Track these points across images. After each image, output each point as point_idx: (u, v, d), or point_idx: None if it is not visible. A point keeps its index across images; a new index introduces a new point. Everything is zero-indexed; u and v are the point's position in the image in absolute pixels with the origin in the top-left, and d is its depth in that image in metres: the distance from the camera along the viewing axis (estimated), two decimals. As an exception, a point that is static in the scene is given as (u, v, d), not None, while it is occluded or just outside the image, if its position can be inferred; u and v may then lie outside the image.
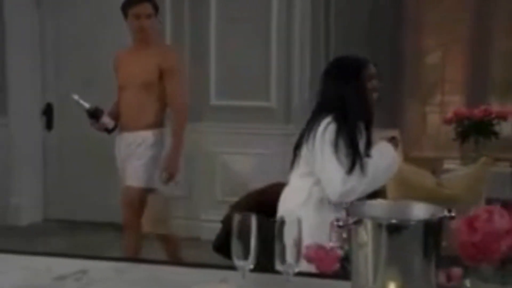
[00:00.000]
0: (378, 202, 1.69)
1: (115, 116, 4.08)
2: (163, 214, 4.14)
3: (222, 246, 3.08)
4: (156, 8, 4.03)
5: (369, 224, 1.54)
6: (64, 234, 5.56)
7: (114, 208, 5.18)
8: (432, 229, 1.54)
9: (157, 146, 4.08)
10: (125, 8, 4.00)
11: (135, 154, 4.08)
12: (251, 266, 1.64)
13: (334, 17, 5.97)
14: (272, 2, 5.21)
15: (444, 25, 6.42)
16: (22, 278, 1.83)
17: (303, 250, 2.74)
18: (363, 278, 1.57)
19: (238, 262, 1.64)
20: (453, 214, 1.56)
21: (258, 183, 3.86)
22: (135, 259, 2.23)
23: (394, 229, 1.53)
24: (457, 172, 3.88)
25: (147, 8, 3.96)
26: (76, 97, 3.83)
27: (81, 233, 5.58)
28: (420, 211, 1.61)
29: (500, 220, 1.37)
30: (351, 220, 1.55)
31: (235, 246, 1.64)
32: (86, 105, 3.90)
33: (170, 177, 4.01)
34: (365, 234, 1.54)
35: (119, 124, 4.10)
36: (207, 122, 5.38)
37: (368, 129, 3.04)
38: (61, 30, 5.80)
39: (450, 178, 3.65)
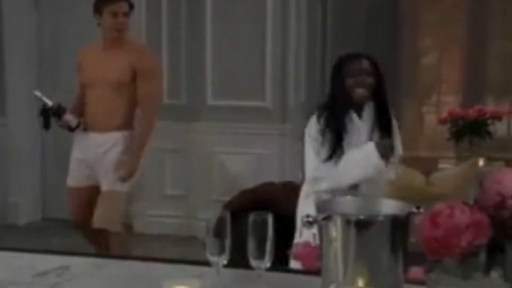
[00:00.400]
0: (348, 198, 1.73)
1: (78, 114, 4.02)
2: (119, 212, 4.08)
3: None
4: (131, 6, 3.98)
5: (338, 220, 1.57)
6: (62, 233, 5.59)
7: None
8: (399, 225, 1.58)
9: (128, 148, 4.02)
10: (100, 5, 3.92)
11: (107, 156, 4.01)
12: (225, 262, 1.68)
13: (330, 16, 6.00)
14: (267, 1, 5.23)
15: (441, 25, 6.45)
16: (4, 275, 1.87)
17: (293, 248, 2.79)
18: (332, 273, 1.60)
19: (212, 258, 1.68)
20: (421, 210, 1.60)
21: (254, 182, 3.91)
22: (115, 255, 2.28)
23: (363, 225, 1.57)
24: (446, 171, 3.90)
25: (124, 6, 3.90)
26: (38, 93, 3.80)
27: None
28: (388, 207, 1.65)
29: (461, 215, 1.40)
30: (320, 216, 1.59)
31: (210, 243, 1.68)
32: (49, 102, 3.84)
33: (128, 176, 3.97)
34: (335, 230, 1.58)
35: (84, 123, 4.04)
36: (204, 122, 5.42)
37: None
38: (60, 30, 5.85)
39: (439, 177, 3.67)
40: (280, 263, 1.81)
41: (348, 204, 1.68)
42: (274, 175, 4.59)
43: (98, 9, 3.91)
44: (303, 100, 5.39)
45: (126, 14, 3.89)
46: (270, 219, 1.67)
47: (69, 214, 4.21)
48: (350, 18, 6.03)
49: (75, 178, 4.16)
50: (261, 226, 1.67)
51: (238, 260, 1.72)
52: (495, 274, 1.41)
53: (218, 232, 1.67)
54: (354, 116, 3.09)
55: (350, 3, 6.08)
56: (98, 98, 3.97)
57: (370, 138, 3.07)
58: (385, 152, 2.99)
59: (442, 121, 4.58)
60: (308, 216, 1.60)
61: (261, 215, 1.68)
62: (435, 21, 6.46)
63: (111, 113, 3.98)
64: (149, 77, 3.94)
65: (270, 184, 3.85)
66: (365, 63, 3.11)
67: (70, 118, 3.93)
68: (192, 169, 5.45)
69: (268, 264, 1.65)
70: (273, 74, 5.29)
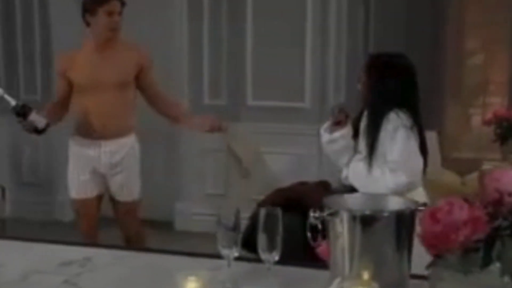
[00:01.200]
0: (355, 195, 1.77)
1: (52, 116, 3.71)
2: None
3: (248, 241, 3.23)
4: (123, 4, 3.85)
5: (344, 216, 1.62)
6: (107, 230, 5.74)
7: (159, 204, 5.38)
8: (404, 221, 1.61)
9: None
10: (93, 5, 3.73)
11: (124, 164, 3.88)
12: (236, 255, 1.74)
13: (373, 15, 6.01)
14: (307, 0, 5.27)
15: (486, 25, 6.38)
16: (30, 264, 1.97)
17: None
18: (340, 267, 1.65)
19: (223, 251, 1.74)
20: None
21: (292, 182, 3.97)
22: (136, 248, 2.36)
23: (368, 220, 1.61)
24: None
25: (118, 4, 3.78)
26: (0, 91, 3.50)
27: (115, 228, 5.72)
28: (393, 203, 1.68)
29: (460, 212, 1.43)
30: (326, 212, 1.63)
31: (221, 236, 1.74)
32: (12, 101, 3.49)
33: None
34: (341, 225, 1.63)
35: (93, 132, 3.80)
36: (244, 122, 5.48)
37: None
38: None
39: (473, 178, 3.69)
40: (311, 260, 1.87)
41: (355, 200, 1.73)
42: (312, 175, 4.62)
43: (90, 9, 3.75)
44: (343, 101, 5.40)
45: (120, 13, 3.78)
46: (279, 214, 1.73)
47: (80, 227, 4.01)
48: (392, 16, 6.03)
49: (83, 190, 3.91)
50: (272, 221, 1.73)
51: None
52: (494, 268, 1.43)
53: (252, 228, 1.74)
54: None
55: (392, 1, 6.08)
56: (103, 103, 3.77)
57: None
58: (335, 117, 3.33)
59: (486, 123, 4.57)
60: (314, 211, 1.65)
61: (272, 211, 1.74)
62: (480, 22, 6.40)
63: (121, 117, 3.83)
64: (151, 67, 3.89)
65: (303, 184, 3.91)
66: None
67: (37, 118, 3.52)
68: (230, 168, 5.52)
69: (276, 258, 1.71)
70: (313, 75, 5.33)
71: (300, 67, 5.33)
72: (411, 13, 6.10)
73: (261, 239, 1.72)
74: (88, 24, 3.80)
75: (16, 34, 6.06)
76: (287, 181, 4.13)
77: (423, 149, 3.25)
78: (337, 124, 3.37)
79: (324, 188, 3.73)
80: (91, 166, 3.87)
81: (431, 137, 5.57)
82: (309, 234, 1.65)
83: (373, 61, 3.34)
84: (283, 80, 5.33)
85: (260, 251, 1.72)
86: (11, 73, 6.12)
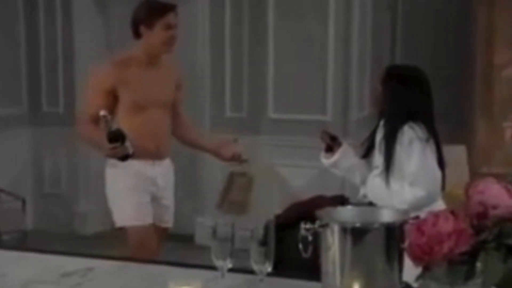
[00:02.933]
0: (346, 208, 1.82)
1: (90, 138, 3.55)
2: None
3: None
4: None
5: (335, 228, 1.67)
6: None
7: (179, 218, 5.45)
8: (394, 233, 1.66)
9: None
10: (150, 17, 3.53)
11: (170, 186, 3.78)
12: (230, 266, 1.81)
13: (400, 22, 6.03)
14: (329, 8, 5.31)
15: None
16: (33, 274, 2.05)
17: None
18: (331, 279, 1.70)
19: (218, 262, 1.81)
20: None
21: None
22: (137, 259, 2.43)
23: (358, 233, 1.66)
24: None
25: (175, 17, 3.60)
26: (103, 112, 3.23)
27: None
28: (384, 215, 1.73)
29: (444, 224, 1.48)
30: (317, 224, 1.69)
31: (214, 247, 1.81)
32: (115, 125, 3.32)
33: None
34: (332, 237, 1.68)
35: (146, 152, 3.54)
36: (265, 135, 5.54)
37: None
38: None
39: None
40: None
41: (347, 213, 1.78)
42: (334, 189, 4.65)
43: (146, 21, 3.53)
44: (367, 114, 5.43)
45: (176, 26, 3.60)
46: (272, 226, 1.79)
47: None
48: (420, 25, 6.04)
49: (139, 216, 3.58)
50: (265, 233, 1.78)
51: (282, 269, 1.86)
52: (478, 281, 1.47)
53: (264, 240, 1.80)
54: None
55: (419, 11, 6.09)
56: (156, 121, 3.61)
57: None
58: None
59: (514, 137, 4.56)
60: (306, 223, 1.71)
61: (265, 223, 1.80)
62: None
63: (168, 135, 3.74)
64: (183, 87, 3.84)
65: (320, 197, 3.96)
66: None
67: (129, 144, 3.35)
68: (253, 182, 5.58)
69: (269, 269, 1.76)
70: (335, 87, 5.37)
71: (322, 78, 5.36)
72: (439, 22, 6.11)
73: (254, 251, 1.78)
74: (139, 35, 3.58)
75: (40, 46, 6.21)
76: (307, 196, 4.18)
77: (441, 163, 3.28)
78: (329, 149, 3.43)
79: (341, 202, 3.77)
80: (147, 188, 3.62)
81: (460, 151, 5.58)
82: (300, 246, 1.71)
83: (388, 73, 3.39)
84: (305, 92, 5.38)
85: (252, 262, 1.78)
86: (33, 85, 6.28)
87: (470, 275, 1.46)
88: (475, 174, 5.51)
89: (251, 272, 1.78)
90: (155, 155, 3.61)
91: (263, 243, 1.79)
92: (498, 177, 1.49)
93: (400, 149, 3.23)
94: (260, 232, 1.81)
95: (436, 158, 3.26)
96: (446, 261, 1.47)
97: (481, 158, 6.36)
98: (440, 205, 3.21)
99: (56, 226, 6.09)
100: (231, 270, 1.81)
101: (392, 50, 6.08)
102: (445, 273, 1.50)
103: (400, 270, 1.67)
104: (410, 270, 1.65)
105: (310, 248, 1.70)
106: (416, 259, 1.50)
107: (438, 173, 3.25)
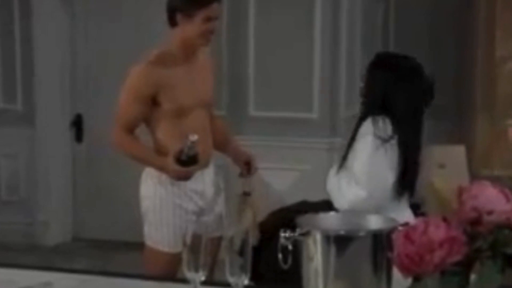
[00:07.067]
0: (330, 214, 1.84)
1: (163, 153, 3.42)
2: None
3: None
4: None
5: (317, 236, 1.68)
6: (93, 254, 5.81)
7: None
8: (381, 241, 1.68)
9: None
10: (191, 7, 3.37)
11: (221, 194, 3.75)
12: (202, 279, 1.81)
13: (393, 13, 6.07)
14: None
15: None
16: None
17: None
18: (313, 291, 1.71)
19: (188, 274, 1.81)
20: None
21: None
22: (103, 272, 2.42)
23: (343, 241, 1.68)
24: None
25: (218, 8, 3.49)
26: (195, 138, 3.15)
27: (113, 253, 5.80)
28: (370, 223, 1.75)
29: (435, 231, 1.49)
30: (298, 232, 1.70)
31: (187, 259, 1.82)
32: (195, 150, 3.21)
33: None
34: (314, 247, 1.69)
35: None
36: (246, 135, 5.54)
37: None
38: (93, 37, 6.08)
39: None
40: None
41: (330, 219, 1.79)
42: (321, 193, 4.66)
43: (185, 10, 3.37)
44: (357, 111, 5.45)
45: (218, 18, 3.50)
46: (249, 237, 1.80)
47: None
48: (415, 17, 6.08)
49: (176, 244, 3.27)
50: (241, 242, 1.80)
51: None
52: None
53: (194, 249, 1.80)
54: None
55: (414, 1, 6.14)
56: (202, 125, 3.48)
57: None
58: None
59: (514, 136, 4.61)
60: (285, 231, 1.72)
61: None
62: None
63: (212, 140, 3.59)
64: None
65: (306, 203, 3.97)
66: None
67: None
68: (233, 186, 5.57)
69: (245, 281, 1.77)
70: (322, 82, 5.38)
71: (308, 72, 5.38)
72: (436, 14, 6.15)
73: (230, 262, 1.79)
74: (175, 24, 3.43)
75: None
76: (292, 200, 4.19)
77: (406, 167, 3.23)
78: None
79: (328, 207, 3.79)
80: (195, 205, 3.51)
81: (459, 152, 5.61)
82: (279, 256, 1.72)
83: (374, 61, 3.37)
84: (289, 87, 5.39)
85: (228, 275, 1.79)
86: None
87: (463, 286, 1.48)
88: (475, 178, 5.54)
89: (226, 285, 1.79)
90: (204, 164, 3.46)
91: (240, 253, 1.80)
92: (501, 181, 1.51)
93: (355, 144, 3.25)
94: (237, 241, 1.82)
95: (400, 161, 3.21)
96: (437, 272, 1.49)
97: (482, 160, 6.40)
98: (404, 215, 3.14)
99: (13, 236, 6.05)
100: (204, 283, 1.82)
101: (385, 43, 6.11)
102: (436, 284, 1.52)
103: (389, 281, 1.69)
104: (399, 282, 1.67)
105: (290, 259, 1.71)
106: (404, 270, 1.51)
107: (387, 178, 3.19)
